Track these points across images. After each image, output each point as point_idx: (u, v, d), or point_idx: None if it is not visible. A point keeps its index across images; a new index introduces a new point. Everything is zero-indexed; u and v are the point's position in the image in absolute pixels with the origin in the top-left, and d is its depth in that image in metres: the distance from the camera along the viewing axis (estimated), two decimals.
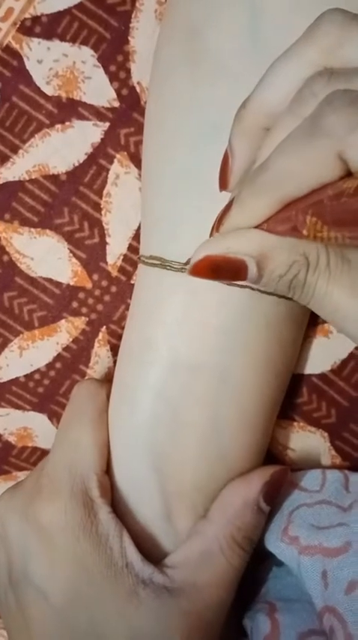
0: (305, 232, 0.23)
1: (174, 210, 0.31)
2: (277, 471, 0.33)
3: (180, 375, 0.31)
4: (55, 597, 0.30)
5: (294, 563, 0.32)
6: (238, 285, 0.29)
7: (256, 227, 0.24)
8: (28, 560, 0.31)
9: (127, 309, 0.37)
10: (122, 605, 0.30)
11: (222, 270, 0.24)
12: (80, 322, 0.37)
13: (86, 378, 0.38)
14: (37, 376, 0.38)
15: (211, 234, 0.26)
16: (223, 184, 0.27)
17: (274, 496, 0.32)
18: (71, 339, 0.38)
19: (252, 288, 0.30)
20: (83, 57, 0.34)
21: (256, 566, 0.37)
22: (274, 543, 0.33)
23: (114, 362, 0.36)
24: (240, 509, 0.31)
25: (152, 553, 0.32)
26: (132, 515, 0.33)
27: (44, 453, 0.40)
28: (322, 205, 0.22)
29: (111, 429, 0.34)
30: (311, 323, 0.36)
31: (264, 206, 0.23)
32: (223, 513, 0.32)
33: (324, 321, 0.36)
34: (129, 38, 0.34)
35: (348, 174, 0.22)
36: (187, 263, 0.30)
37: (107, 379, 0.36)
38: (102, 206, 0.36)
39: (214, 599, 0.31)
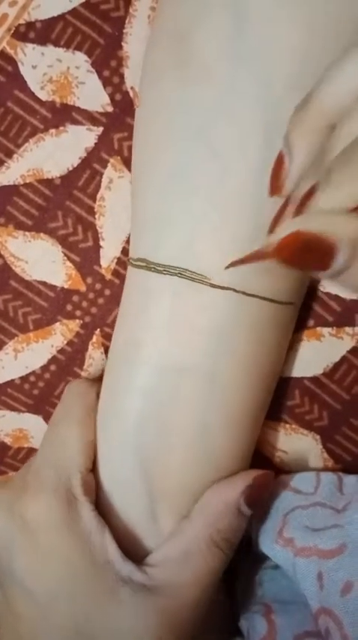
0: None
1: (161, 213, 0.31)
2: (260, 474, 0.33)
3: (167, 377, 0.31)
4: (38, 594, 0.31)
5: (289, 564, 0.32)
6: (221, 287, 0.30)
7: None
8: (13, 556, 0.31)
9: None
10: (102, 602, 0.30)
11: (311, 251, 0.21)
12: (74, 325, 0.38)
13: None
14: (32, 378, 0.39)
15: (271, 231, 0.24)
16: (277, 189, 0.25)
17: (257, 500, 0.33)
18: (66, 342, 0.38)
19: (236, 290, 0.30)
20: (77, 62, 0.35)
21: (252, 567, 0.37)
22: (269, 545, 0.34)
23: None
24: (221, 511, 0.32)
25: (137, 552, 0.33)
26: (118, 515, 0.33)
27: None
28: None
29: (98, 429, 0.34)
30: (303, 326, 0.36)
31: None
32: (204, 514, 0.32)
33: (316, 325, 0.36)
34: (123, 44, 0.35)
35: None
36: (171, 266, 0.30)
37: (100, 380, 0.36)
38: (96, 210, 0.36)
39: (191, 598, 0.31)
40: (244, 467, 0.34)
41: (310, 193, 0.22)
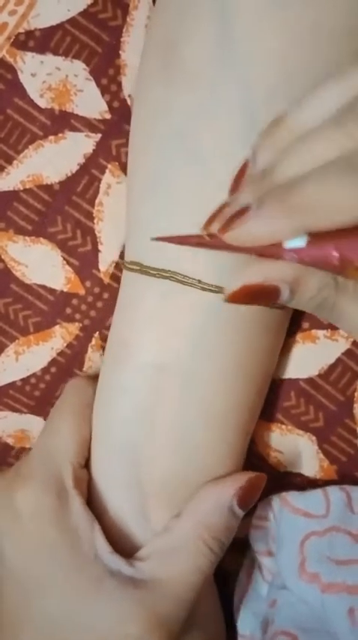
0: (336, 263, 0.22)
1: (146, 216, 0.32)
2: (253, 477, 0.33)
3: (149, 376, 0.32)
4: (26, 582, 0.32)
5: (318, 601, 0.32)
6: (211, 290, 0.30)
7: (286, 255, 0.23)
8: (3, 542, 0.32)
9: None
10: (88, 594, 0.31)
11: (258, 296, 0.24)
12: (74, 328, 0.38)
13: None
14: (33, 380, 0.39)
15: (205, 227, 0.25)
16: (236, 189, 0.26)
17: (249, 502, 0.33)
18: (65, 345, 0.39)
19: (214, 292, 0.31)
20: (75, 70, 0.35)
21: (252, 577, 0.37)
22: (293, 581, 0.34)
23: None
24: (211, 509, 0.32)
25: (128, 547, 0.33)
26: (109, 511, 0.34)
27: None
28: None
29: (92, 426, 0.35)
30: (298, 329, 0.36)
31: (287, 229, 0.22)
32: (194, 512, 0.32)
33: (311, 327, 0.36)
34: (121, 52, 0.35)
35: None
36: (163, 270, 0.31)
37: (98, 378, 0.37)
38: (94, 215, 0.37)
39: (175, 594, 0.31)
40: (234, 468, 0.34)
41: (240, 214, 0.23)
